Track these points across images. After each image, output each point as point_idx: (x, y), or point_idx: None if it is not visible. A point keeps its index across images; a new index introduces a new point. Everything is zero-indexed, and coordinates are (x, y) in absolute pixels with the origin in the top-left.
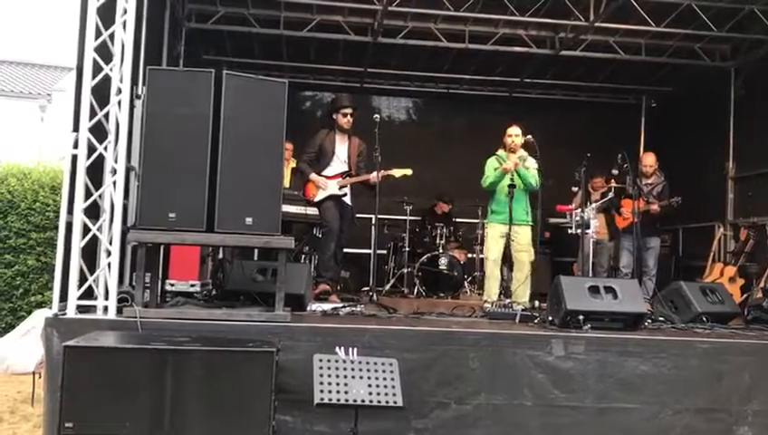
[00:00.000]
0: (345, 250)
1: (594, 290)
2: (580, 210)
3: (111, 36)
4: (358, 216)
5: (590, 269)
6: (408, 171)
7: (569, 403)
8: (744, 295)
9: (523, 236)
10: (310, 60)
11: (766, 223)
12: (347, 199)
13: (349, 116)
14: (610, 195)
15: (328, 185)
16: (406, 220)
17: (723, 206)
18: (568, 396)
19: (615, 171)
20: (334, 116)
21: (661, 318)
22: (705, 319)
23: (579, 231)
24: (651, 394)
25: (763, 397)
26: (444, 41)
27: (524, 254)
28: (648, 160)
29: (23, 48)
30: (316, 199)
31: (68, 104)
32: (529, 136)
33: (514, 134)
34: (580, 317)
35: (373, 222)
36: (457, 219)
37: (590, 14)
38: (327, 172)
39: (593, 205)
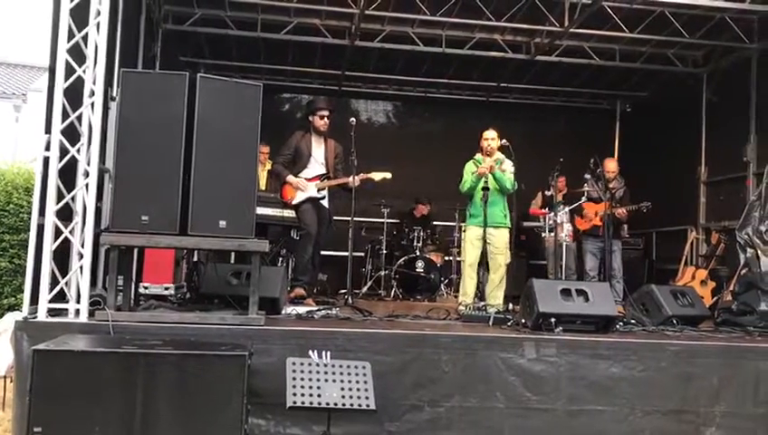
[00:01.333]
0: (322, 253)
1: (566, 293)
2: (552, 214)
3: (85, 38)
4: (335, 218)
5: (561, 272)
6: (388, 174)
7: (541, 406)
8: (715, 298)
9: (500, 239)
10: (287, 62)
11: (736, 227)
12: (324, 202)
13: (325, 118)
14: (584, 199)
15: (307, 187)
16: (383, 223)
17: (695, 210)
18: (540, 398)
19: (587, 176)
20: (311, 118)
21: (632, 321)
22: (675, 322)
23: (545, 234)
24: (622, 396)
25: (731, 399)
26: (421, 45)
27: (500, 257)
28: (611, 166)
29: None
30: (294, 202)
31: (43, 105)
32: (504, 140)
33: (490, 138)
34: (552, 320)
35: (350, 224)
36: (435, 222)
37: (564, 19)
38: (305, 174)
39: (566, 208)
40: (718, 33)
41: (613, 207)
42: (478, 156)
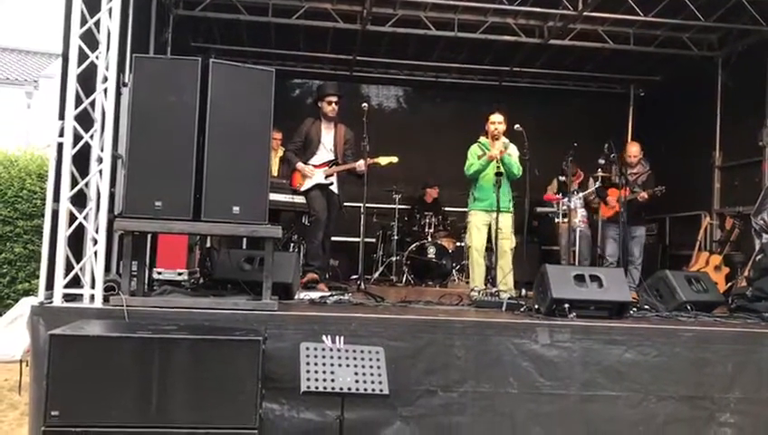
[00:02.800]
0: (333, 239)
1: (580, 279)
2: (566, 199)
3: (97, 24)
4: (346, 204)
5: (577, 258)
6: (394, 159)
7: (554, 391)
8: (729, 284)
9: (506, 224)
10: (298, 48)
11: (751, 213)
12: (333, 188)
13: (334, 104)
14: (597, 184)
15: (314, 173)
16: (394, 209)
17: (709, 195)
18: (553, 384)
19: (602, 160)
20: (319, 104)
21: (646, 307)
22: (689, 308)
23: (559, 220)
24: (636, 382)
25: (746, 385)
26: (433, 29)
27: (507, 241)
28: (633, 150)
29: (9, 34)
30: (302, 189)
31: (55, 91)
32: (517, 126)
33: (497, 121)
34: (566, 305)
35: (362, 210)
36: (446, 208)
37: (578, 3)
38: (313, 161)
39: (580, 194)
40: (734, 16)
41: (634, 192)
42: (483, 139)
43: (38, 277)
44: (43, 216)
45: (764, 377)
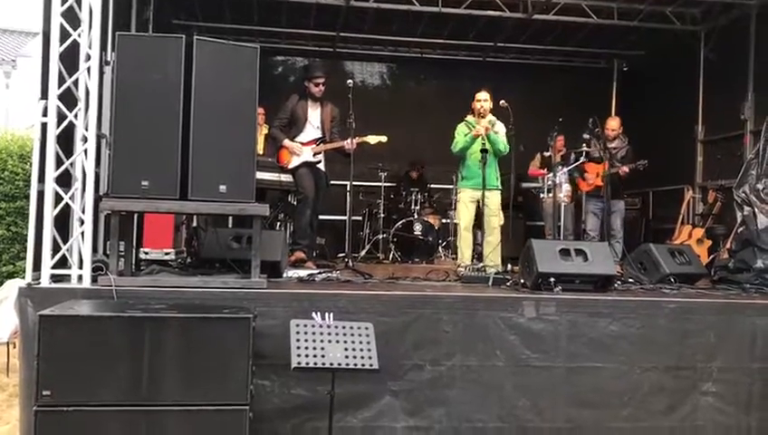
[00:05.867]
0: (320, 217)
1: (565, 253)
2: (551, 175)
3: (78, 1)
4: (332, 182)
5: (560, 232)
6: (383, 138)
7: (541, 363)
8: (711, 257)
9: (494, 201)
10: (281, 24)
11: (733, 186)
12: (321, 166)
13: (321, 85)
14: (582, 159)
15: (302, 151)
16: (380, 187)
17: (692, 169)
18: (540, 356)
19: (586, 135)
20: (306, 84)
21: (630, 279)
22: (672, 280)
23: (543, 195)
24: (621, 353)
25: (727, 355)
26: (417, 5)
27: (495, 218)
28: (612, 124)
29: None
30: (290, 166)
31: (34, 70)
32: (503, 101)
33: (483, 99)
34: (552, 280)
35: (348, 188)
36: (432, 185)
37: None
38: (301, 139)
39: (565, 169)
40: None
41: (614, 166)
42: (470, 117)
43: (22, 259)
44: (25, 197)
45: (745, 346)
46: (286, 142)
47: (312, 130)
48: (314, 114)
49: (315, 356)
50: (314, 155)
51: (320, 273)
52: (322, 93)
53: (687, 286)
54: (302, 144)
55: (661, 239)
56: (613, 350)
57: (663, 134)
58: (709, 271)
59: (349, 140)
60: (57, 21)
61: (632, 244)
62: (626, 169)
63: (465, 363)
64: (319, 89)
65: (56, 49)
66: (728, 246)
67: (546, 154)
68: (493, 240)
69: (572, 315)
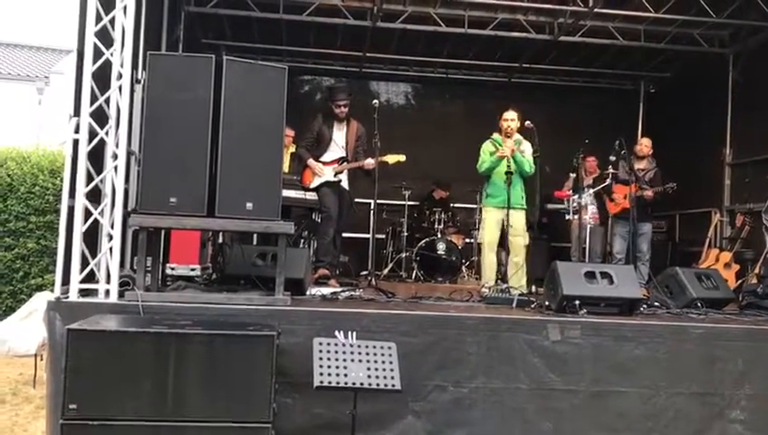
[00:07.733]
0: (344, 235)
1: (590, 275)
2: (576, 196)
3: (112, 21)
4: (356, 201)
5: (586, 254)
6: (402, 157)
7: (564, 387)
8: (739, 281)
9: (519, 221)
10: (309, 44)
11: (762, 210)
12: (344, 184)
13: (342, 107)
14: (608, 181)
15: (324, 171)
16: (404, 205)
17: (720, 192)
18: (564, 380)
19: (612, 157)
20: (330, 105)
21: (657, 303)
22: (699, 304)
23: (569, 217)
24: (646, 378)
25: (756, 381)
26: (443, 26)
27: (520, 238)
28: (645, 141)
29: (20, 30)
30: (312, 186)
31: (66, 87)
32: (528, 122)
33: (510, 118)
34: (577, 302)
35: (372, 207)
36: (456, 204)
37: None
38: (324, 158)
39: (590, 190)
40: (745, 12)
41: (642, 188)
42: (496, 135)
43: (51, 272)
44: (55, 211)
45: None
46: (310, 162)
47: (336, 149)
48: (339, 134)
49: (338, 375)
50: (335, 175)
51: (343, 291)
52: (346, 114)
53: (715, 311)
54: (325, 163)
55: (688, 263)
56: (638, 374)
57: (690, 157)
58: (737, 296)
59: (369, 160)
60: (91, 40)
61: (658, 267)
62: (650, 193)
63: (487, 385)
64: (341, 110)
65: (89, 67)
66: (757, 270)
67: (572, 175)
68: (518, 260)
69: (597, 339)
